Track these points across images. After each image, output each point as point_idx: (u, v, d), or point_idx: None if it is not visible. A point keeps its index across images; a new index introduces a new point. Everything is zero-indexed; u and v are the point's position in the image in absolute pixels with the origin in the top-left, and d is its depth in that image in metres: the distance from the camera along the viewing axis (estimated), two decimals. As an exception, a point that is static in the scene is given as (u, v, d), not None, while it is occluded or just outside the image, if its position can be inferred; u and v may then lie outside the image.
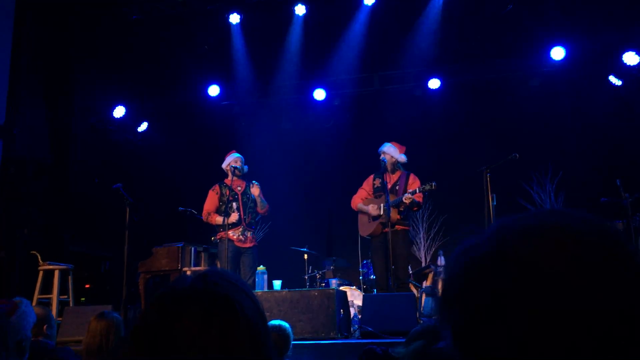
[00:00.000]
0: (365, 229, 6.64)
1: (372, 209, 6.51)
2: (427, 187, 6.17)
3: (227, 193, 6.84)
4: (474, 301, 0.62)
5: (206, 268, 0.90)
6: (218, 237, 6.78)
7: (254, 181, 6.93)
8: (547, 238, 0.62)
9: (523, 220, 0.65)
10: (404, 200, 6.25)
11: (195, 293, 0.83)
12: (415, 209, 6.75)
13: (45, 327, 3.41)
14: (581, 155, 8.80)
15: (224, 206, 6.78)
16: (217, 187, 6.98)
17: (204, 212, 6.91)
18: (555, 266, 0.59)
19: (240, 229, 6.78)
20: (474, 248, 0.66)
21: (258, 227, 7.45)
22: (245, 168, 7.04)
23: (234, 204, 6.84)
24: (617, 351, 0.56)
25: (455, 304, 0.65)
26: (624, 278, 0.59)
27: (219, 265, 7.00)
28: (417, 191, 6.23)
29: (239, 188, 6.95)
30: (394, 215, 6.37)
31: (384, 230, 6.33)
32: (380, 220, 6.42)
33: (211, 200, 6.93)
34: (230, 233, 6.72)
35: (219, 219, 6.74)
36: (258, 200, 6.86)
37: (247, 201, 6.90)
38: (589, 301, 0.57)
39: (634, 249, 0.62)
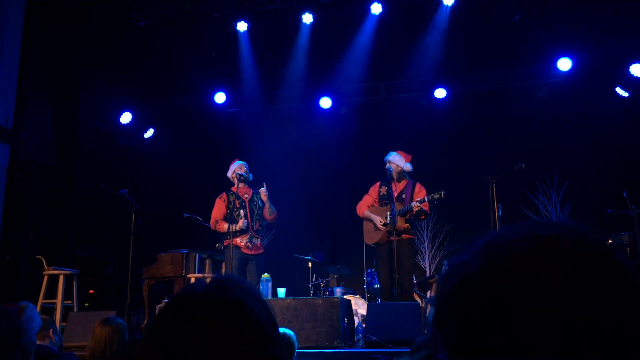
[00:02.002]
0: (370, 237, 6.62)
1: (378, 220, 6.48)
2: (437, 195, 6.14)
3: (235, 201, 6.84)
4: (470, 318, 0.62)
5: (215, 274, 0.91)
6: (225, 243, 6.77)
7: (263, 184, 6.90)
8: (535, 249, 0.62)
9: (509, 234, 0.66)
10: (413, 209, 6.22)
11: (208, 298, 0.84)
12: (422, 217, 6.73)
13: (51, 331, 3.42)
14: (587, 166, 8.78)
15: (231, 214, 6.79)
16: (224, 195, 6.99)
17: (212, 220, 6.91)
18: (548, 276, 0.60)
19: (248, 235, 6.78)
20: (463, 265, 0.66)
21: (265, 235, 7.44)
22: (250, 176, 7.05)
23: (242, 211, 6.84)
24: (615, 357, 0.57)
25: (451, 322, 0.65)
26: (614, 283, 0.60)
27: (224, 272, 6.99)
28: (425, 200, 6.20)
29: (246, 195, 6.96)
30: (401, 223, 6.35)
31: (390, 239, 6.32)
32: (386, 228, 6.41)
33: (219, 208, 6.93)
34: (238, 240, 6.72)
35: (226, 226, 6.74)
36: (267, 204, 6.85)
37: (255, 208, 6.91)
38: (585, 307, 0.58)
39: (619, 254, 0.63)
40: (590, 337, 0.57)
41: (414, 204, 6.21)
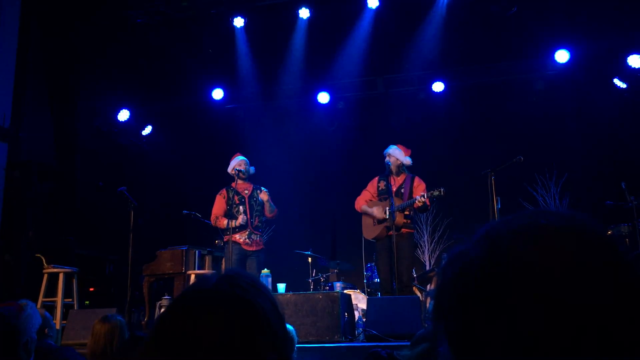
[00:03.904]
0: (369, 232, 6.62)
1: (376, 211, 6.47)
2: (436, 192, 6.10)
3: (234, 197, 6.84)
4: (471, 306, 0.62)
5: (226, 270, 0.91)
6: (225, 239, 6.78)
7: (262, 188, 6.91)
8: (537, 238, 0.63)
9: (511, 222, 0.67)
10: (417, 204, 6.21)
11: (219, 295, 0.84)
12: (424, 211, 6.72)
13: (46, 330, 3.41)
14: (586, 158, 8.78)
15: (230, 210, 6.79)
16: (224, 191, 6.99)
17: (212, 217, 6.92)
18: (549, 265, 0.60)
19: (247, 232, 6.78)
20: (464, 254, 0.67)
21: (265, 231, 7.44)
22: (252, 169, 7.04)
23: (241, 207, 6.84)
24: (614, 346, 0.57)
25: (451, 310, 0.65)
26: (615, 274, 0.61)
27: (223, 268, 7.00)
28: (425, 197, 6.17)
29: (246, 191, 6.96)
30: (400, 219, 6.34)
31: (389, 234, 6.32)
32: (385, 223, 6.40)
33: (219, 204, 6.94)
34: (237, 236, 6.72)
35: (226, 222, 6.75)
36: (267, 205, 6.86)
37: (254, 204, 6.90)
38: (585, 298, 0.58)
39: (619, 244, 0.64)
40: (591, 326, 0.57)
41: (417, 198, 6.18)
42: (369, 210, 6.56)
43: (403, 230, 6.39)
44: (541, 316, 0.58)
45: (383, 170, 6.65)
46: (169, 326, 0.81)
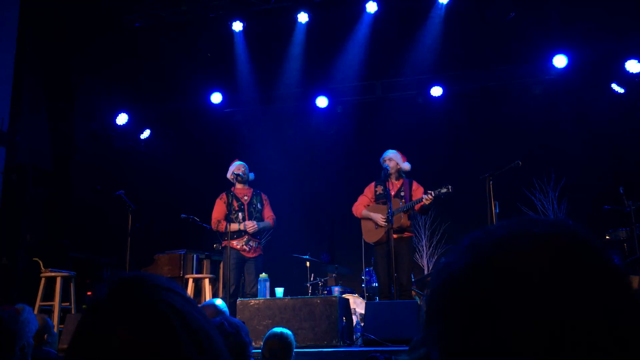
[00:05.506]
0: (371, 235, 6.58)
1: (378, 218, 6.44)
2: (444, 190, 6.08)
3: (233, 202, 6.83)
4: (455, 316, 0.63)
5: (116, 275, 0.84)
6: (224, 244, 6.76)
7: (258, 203, 6.89)
8: (520, 246, 0.63)
9: (494, 231, 0.67)
10: (424, 202, 6.19)
11: (122, 304, 0.78)
12: (428, 211, 6.72)
13: (45, 336, 3.39)
14: (584, 163, 8.79)
15: (229, 215, 6.77)
16: (224, 195, 6.96)
17: (213, 221, 6.88)
18: (530, 273, 0.60)
19: (245, 238, 6.76)
20: (451, 264, 0.67)
21: (264, 236, 7.42)
22: (251, 175, 7.03)
23: (240, 214, 6.82)
24: (598, 348, 0.57)
25: (438, 320, 0.66)
26: (599, 283, 0.61)
27: (221, 272, 6.99)
28: (432, 195, 6.16)
29: (245, 198, 6.93)
30: (405, 221, 6.35)
31: (392, 237, 6.31)
32: (388, 226, 6.38)
33: (219, 208, 6.90)
34: (235, 242, 6.70)
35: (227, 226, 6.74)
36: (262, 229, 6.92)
37: (253, 211, 6.88)
38: (570, 306, 0.58)
39: (607, 253, 0.64)
40: (574, 336, 0.57)
41: (425, 196, 6.17)
42: (371, 214, 6.53)
43: (405, 233, 6.40)
44: (524, 326, 0.58)
45: (381, 175, 6.65)
46: (83, 345, 0.77)
